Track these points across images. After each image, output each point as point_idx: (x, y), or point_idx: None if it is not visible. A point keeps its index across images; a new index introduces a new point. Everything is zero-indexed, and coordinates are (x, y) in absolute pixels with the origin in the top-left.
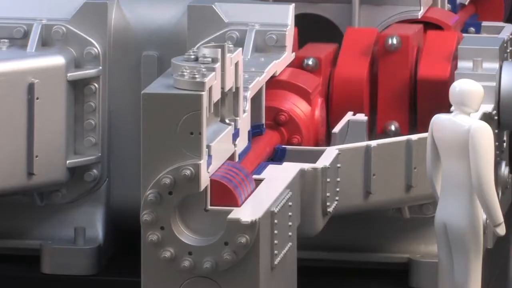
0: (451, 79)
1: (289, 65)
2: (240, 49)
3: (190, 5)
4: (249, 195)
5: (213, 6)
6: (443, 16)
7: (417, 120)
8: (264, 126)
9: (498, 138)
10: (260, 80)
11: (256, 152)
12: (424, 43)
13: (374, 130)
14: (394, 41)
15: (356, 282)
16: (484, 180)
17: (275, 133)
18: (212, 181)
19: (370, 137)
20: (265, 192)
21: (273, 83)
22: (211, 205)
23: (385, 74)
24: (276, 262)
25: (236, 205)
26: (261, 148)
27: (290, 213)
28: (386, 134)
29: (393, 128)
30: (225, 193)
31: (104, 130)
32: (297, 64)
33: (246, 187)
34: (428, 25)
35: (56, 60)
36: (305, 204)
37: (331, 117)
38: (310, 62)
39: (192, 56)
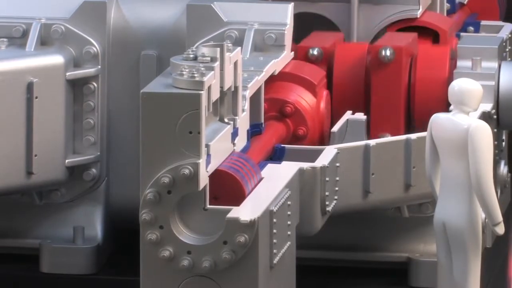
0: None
1: (295, 56)
2: (239, 48)
3: (189, 4)
4: (256, 185)
5: (212, 5)
6: (439, 21)
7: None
8: (263, 126)
9: (497, 137)
10: (259, 79)
11: (261, 143)
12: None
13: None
14: (388, 52)
15: (356, 281)
16: (483, 179)
17: (281, 125)
18: (220, 172)
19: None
20: (264, 191)
21: (279, 75)
22: (218, 196)
23: (379, 86)
24: (275, 262)
25: (243, 195)
26: (267, 139)
27: (289, 212)
28: None
29: None
30: (232, 184)
31: (103, 129)
32: (302, 54)
33: (253, 178)
34: (424, 29)
35: (55, 59)
36: (304, 203)
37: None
38: (315, 52)
39: (191, 55)
